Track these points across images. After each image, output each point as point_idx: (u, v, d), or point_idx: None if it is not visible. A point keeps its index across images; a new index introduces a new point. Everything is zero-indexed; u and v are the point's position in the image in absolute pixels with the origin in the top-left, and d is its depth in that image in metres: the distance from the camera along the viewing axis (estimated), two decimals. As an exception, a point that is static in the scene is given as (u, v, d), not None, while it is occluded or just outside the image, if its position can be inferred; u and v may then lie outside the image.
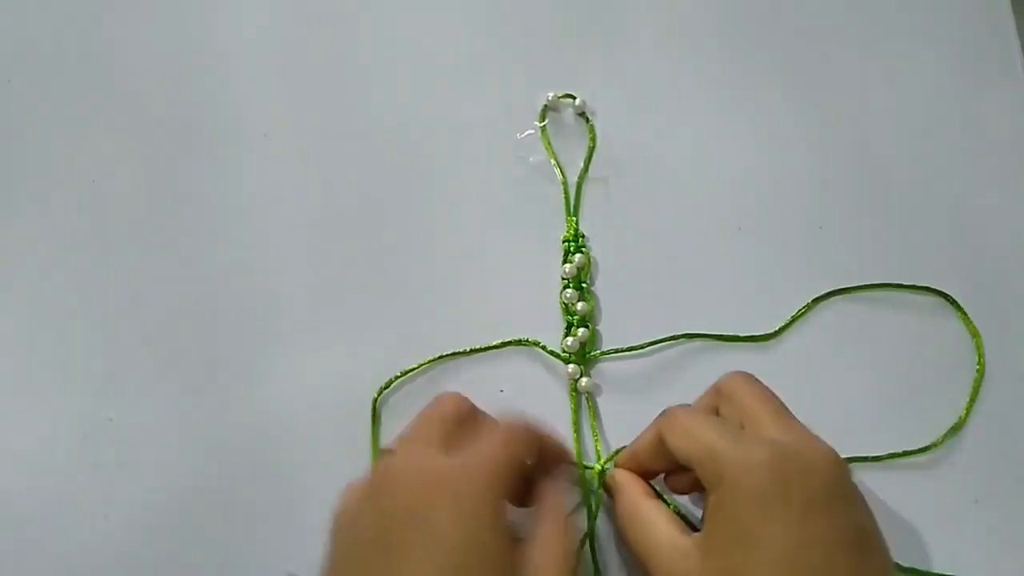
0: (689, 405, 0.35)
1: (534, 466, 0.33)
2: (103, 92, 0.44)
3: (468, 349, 0.39)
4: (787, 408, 0.33)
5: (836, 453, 0.31)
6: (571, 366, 0.39)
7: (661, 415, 0.34)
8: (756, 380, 0.34)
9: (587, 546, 0.36)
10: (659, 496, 0.34)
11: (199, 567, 0.36)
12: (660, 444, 0.33)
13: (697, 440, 0.31)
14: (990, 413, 0.38)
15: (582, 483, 0.37)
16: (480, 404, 0.35)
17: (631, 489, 0.34)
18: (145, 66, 0.44)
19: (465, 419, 0.33)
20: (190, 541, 0.37)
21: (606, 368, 0.39)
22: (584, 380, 0.39)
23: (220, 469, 0.38)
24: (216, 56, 0.44)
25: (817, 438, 0.31)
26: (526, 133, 0.43)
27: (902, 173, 0.42)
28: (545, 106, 0.43)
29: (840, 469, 0.30)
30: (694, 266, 0.41)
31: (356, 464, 0.37)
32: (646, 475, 0.35)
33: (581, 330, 0.39)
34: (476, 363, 0.39)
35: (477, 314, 0.40)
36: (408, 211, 0.42)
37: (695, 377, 0.39)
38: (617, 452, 0.37)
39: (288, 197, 0.42)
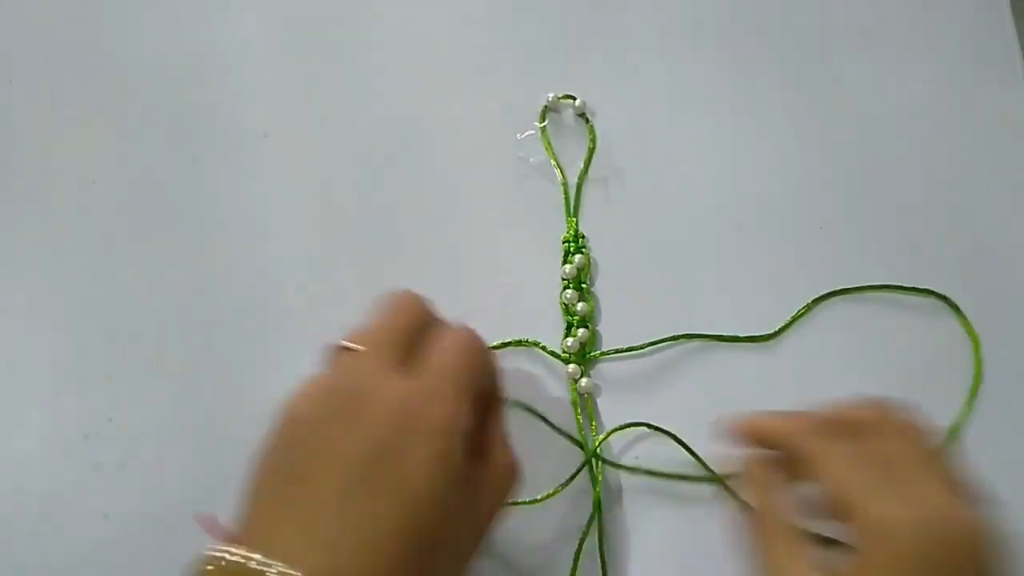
0: (825, 417, 0.32)
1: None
2: (103, 92, 0.44)
3: (468, 349, 0.39)
4: (937, 460, 0.30)
5: (980, 522, 0.28)
6: (571, 366, 0.39)
7: (806, 440, 0.31)
8: (916, 427, 0.31)
9: (596, 539, 0.36)
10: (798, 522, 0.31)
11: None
12: (792, 461, 0.31)
13: (844, 491, 0.29)
14: (988, 415, 0.38)
15: (593, 482, 0.37)
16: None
17: (777, 522, 0.31)
18: (145, 66, 0.44)
19: (424, 327, 0.32)
20: (190, 541, 0.37)
21: (606, 368, 0.39)
22: (584, 380, 0.39)
23: (220, 469, 0.37)
24: (216, 56, 0.44)
25: (966, 502, 0.29)
26: (526, 133, 0.43)
27: (902, 173, 0.42)
28: (545, 106, 0.43)
29: (981, 544, 0.28)
30: (694, 266, 0.41)
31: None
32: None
33: (581, 330, 0.39)
34: (476, 363, 0.39)
35: (477, 314, 0.40)
36: (408, 211, 0.42)
37: (695, 377, 0.39)
38: (608, 435, 0.37)
39: (288, 197, 0.42)
